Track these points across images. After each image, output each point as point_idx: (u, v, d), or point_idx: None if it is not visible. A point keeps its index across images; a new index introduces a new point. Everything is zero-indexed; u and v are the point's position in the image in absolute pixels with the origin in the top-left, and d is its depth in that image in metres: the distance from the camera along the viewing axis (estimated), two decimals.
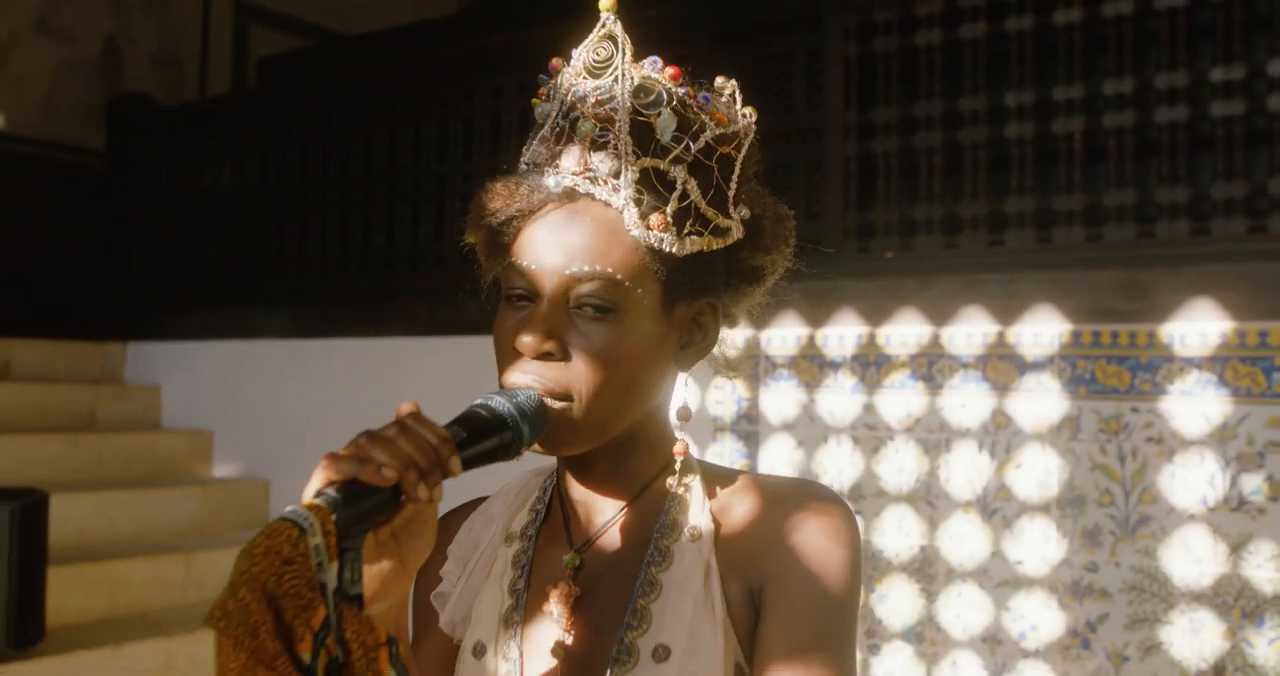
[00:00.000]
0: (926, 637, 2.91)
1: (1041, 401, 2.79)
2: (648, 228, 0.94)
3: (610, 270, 0.93)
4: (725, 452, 3.23)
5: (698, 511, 0.99)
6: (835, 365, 3.08)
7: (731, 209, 0.99)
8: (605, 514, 1.02)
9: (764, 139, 2.98)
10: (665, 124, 0.95)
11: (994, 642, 2.82)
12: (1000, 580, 2.82)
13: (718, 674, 0.92)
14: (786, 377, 3.15)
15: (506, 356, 0.95)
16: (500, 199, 0.97)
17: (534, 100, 1.02)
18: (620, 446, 1.00)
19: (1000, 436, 2.84)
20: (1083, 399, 2.74)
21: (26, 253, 5.56)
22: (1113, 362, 2.71)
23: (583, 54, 0.97)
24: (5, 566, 2.79)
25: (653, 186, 0.94)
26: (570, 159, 0.95)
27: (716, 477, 1.03)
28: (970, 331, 2.89)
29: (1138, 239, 2.76)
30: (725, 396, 3.24)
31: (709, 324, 1.02)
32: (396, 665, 0.75)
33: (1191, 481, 2.60)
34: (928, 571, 2.92)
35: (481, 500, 1.11)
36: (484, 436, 0.88)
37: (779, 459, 3.14)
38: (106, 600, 3.37)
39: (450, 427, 0.86)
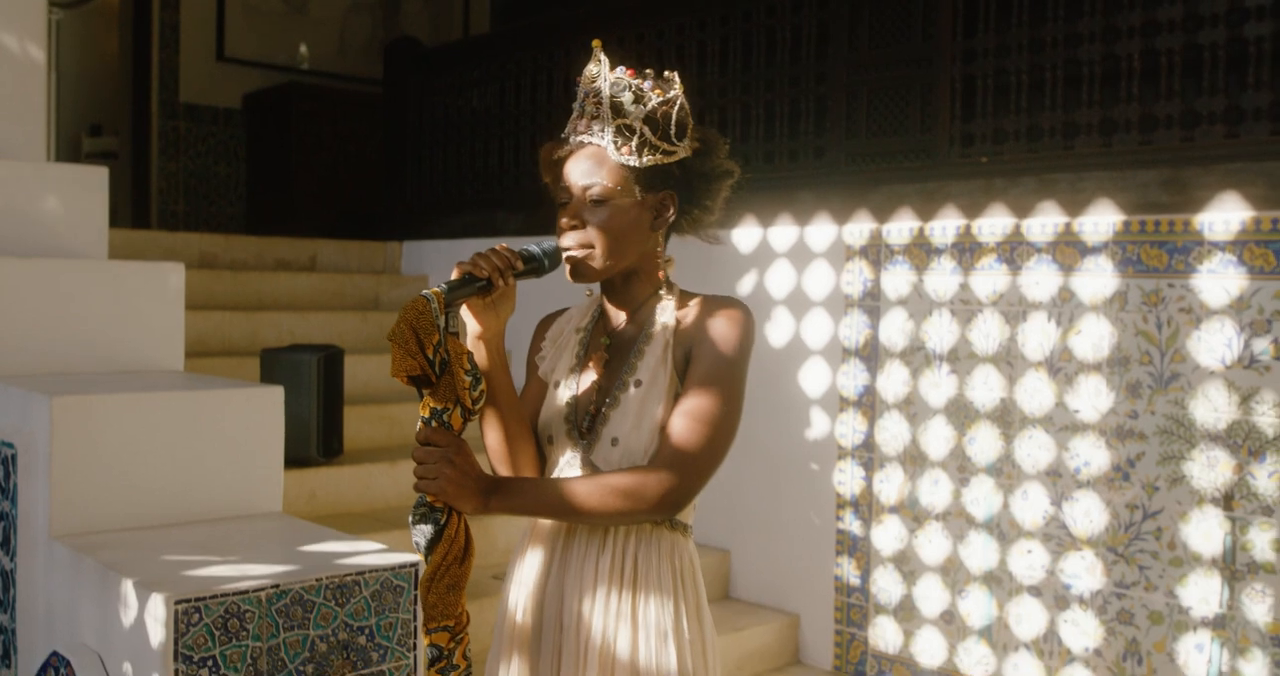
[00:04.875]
0: (1004, 472, 3.59)
1: (1098, 279, 3.38)
2: (620, 153, 1.74)
3: (599, 180, 1.74)
4: (854, 324, 3.96)
5: (668, 314, 1.80)
6: (939, 251, 3.73)
7: (675, 140, 1.76)
8: (622, 317, 1.85)
9: (887, 65, 3.81)
10: (627, 100, 1.74)
11: (1055, 476, 3.47)
12: (1062, 425, 3.46)
13: (663, 393, 1.73)
14: (902, 262, 3.83)
15: (559, 230, 1.79)
16: (552, 151, 1.80)
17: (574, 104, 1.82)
18: (627, 279, 1.82)
19: (1065, 308, 3.45)
20: (1130, 277, 3.31)
21: (330, 169, 6.82)
22: (1155, 247, 3.27)
23: (586, 70, 1.77)
24: (315, 398, 3.89)
25: (623, 133, 1.74)
26: (582, 125, 1.77)
27: (685, 295, 1.83)
28: (1044, 222, 3.49)
29: (1180, 143, 3.27)
30: (855, 278, 3.95)
31: (669, 205, 1.80)
32: (471, 363, 1.62)
33: (1213, 344, 3.16)
34: (1006, 418, 3.58)
35: (563, 311, 1.97)
36: (526, 261, 1.72)
37: (895, 328, 3.84)
38: (385, 432, 4.49)
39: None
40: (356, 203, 6.77)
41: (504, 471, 1.79)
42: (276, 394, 3.03)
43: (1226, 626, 3.14)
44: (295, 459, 3.81)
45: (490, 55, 5.67)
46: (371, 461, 4.14)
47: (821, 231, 4.05)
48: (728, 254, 4.32)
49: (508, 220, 5.36)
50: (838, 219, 4.01)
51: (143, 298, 3.31)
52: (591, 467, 1.76)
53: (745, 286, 4.28)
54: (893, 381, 3.85)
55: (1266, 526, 3.06)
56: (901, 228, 3.83)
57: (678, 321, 1.78)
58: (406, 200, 6.14)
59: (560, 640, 1.75)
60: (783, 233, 4.17)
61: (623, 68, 1.77)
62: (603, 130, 1.75)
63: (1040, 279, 3.50)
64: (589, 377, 1.83)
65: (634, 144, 1.73)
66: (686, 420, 1.69)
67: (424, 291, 1.61)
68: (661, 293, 1.83)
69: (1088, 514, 3.40)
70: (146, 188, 7.00)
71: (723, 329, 1.74)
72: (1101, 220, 3.36)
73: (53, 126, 6.61)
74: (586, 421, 1.79)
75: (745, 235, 4.28)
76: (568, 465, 1.79)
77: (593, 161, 1.75)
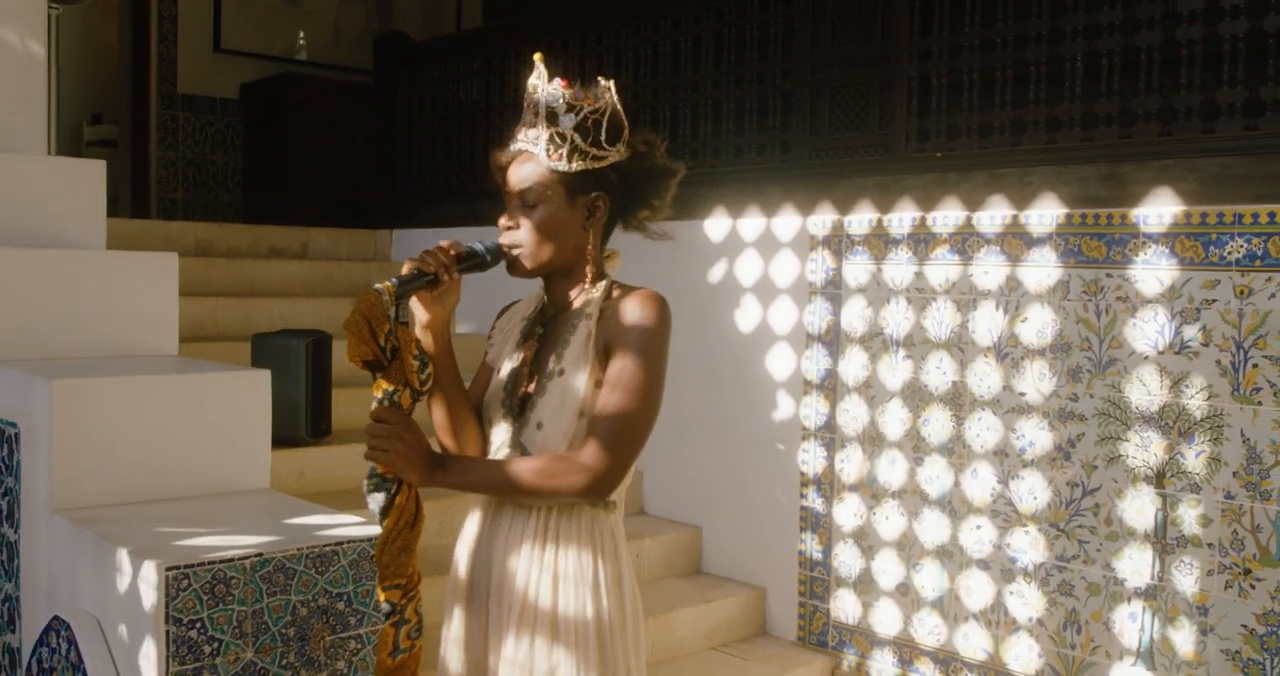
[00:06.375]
0: (956, 452, 3.78)
1: (1042, 270, 3.56)
2: (550, 159, 1.90)
3: (532, 184, 1.91)
4: (817, 311, 4.15)
5: (594, 305, 1.97)
6: (896, 242, 3.92)
7: (606, 145, 1.92)
8: (556, 309, 2.03)
9: (849, 62, 3.99)
10: (560, 109, 1.91)
11: (1003, 455, 3.67)
12: (1009, 407, 3.65)
13: (583, 382, 1.90)
14: (862, 252, 4.02)
15: (501, 230, 1.98)
16: (498, 157, 1.99)
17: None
18: (563, 274, 1.99)
19: (1012, 297, 3.64)
20: (1071, 267, 3.50)
21: (324, 158, 7.00)
22: (1094, 238, 3.45)
23: (528, 82, 1.95)
24: (304, 380, 4.07)
25: (555, 141, 1.90)
26: (522, 134, 1.95)
27: (618, 288, 2.00)
28: (994, 215, 3.67)
29: (1119, 140, 3.45)
30: (818, 267, 4.14)
31: (600, 206, 1.96)
32: (419, 349, 1.81)
33: (1147, 331, 3.34)
34: (958, 401, 3.77)
35: (514, 304, 2.15)
36: (470, 258, 1.91)
37: (855, 315, 4.03)
38: None
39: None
40: (350, 191, 6.95)
41: (448, 442, 1.99)
42: (263, 377, 3.21)
43: (1157, 596, 3.33)
44: (285, 439, 3.99)
45: (476, 50, 5.85)
46: (358, 441, 4.28)
47: (787, 222, 4.24)
48: (699, 243, 4.51)
49: (493, 210, 5.53)
50: (802, 210, 4.19)
51: (138, 286, 3.47)
52: (520, 448, 1.94)
53: (716, 275, 4.47)
54: (853, 366, 4.05)
55: (1194, 503, 3.26)
56: (861, 219, 4.01)
57: (602, 313, 1.93)
58: (396, 190, 6.33)
59: (489, 592, 1.94)
60: (751, 223, 4.36)
61: (559, 79, 1.94)
62: (538, 138, 1.91)
63: (989, 269, 3.68)
64: (524, 365, 2.01)
65: (564, 151, 1.89)
66: (610, 415, 1.85)
67: (376, 285, 1.81)
68: (589, 285, 1.98)
69: (1032, 491, 3.59)
70: (146, 175, 7.18)
71: (641, 325, 1.88)
72: (1046, 213, 3.54)
73: (53, 118, 6.79)
74: (518, 406, 1.98)
75: (715, 226, 4.46)
76: (501, 445, 1.98)
77: (528, 167, 1.92)
